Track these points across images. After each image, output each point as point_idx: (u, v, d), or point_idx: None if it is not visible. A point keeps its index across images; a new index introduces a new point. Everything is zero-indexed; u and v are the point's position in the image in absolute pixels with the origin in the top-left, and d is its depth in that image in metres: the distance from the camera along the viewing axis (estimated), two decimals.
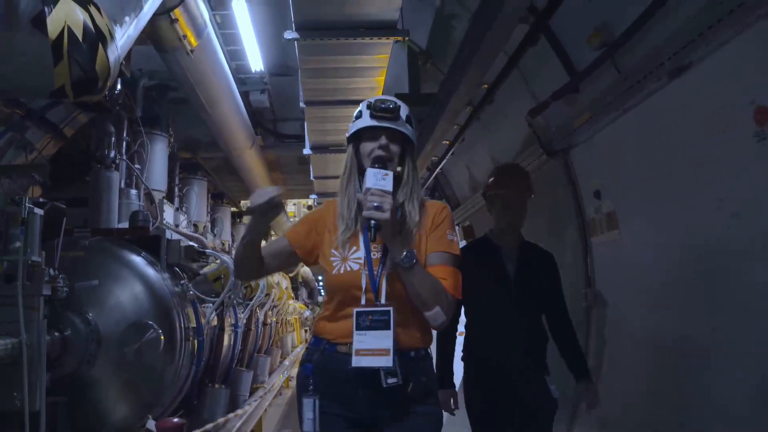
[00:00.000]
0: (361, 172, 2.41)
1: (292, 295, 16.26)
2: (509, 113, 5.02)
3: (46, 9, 2.47)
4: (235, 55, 7.04)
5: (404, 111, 2.44)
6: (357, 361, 2.25)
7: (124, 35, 2.96)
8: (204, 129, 7.14)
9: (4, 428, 3.45)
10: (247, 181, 8.83)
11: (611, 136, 3.84)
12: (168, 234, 4.78)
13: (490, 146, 5.91)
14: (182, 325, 4.50)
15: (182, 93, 5.82)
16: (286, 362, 12.96)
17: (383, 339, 2.25)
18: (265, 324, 9.16)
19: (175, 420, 3.96)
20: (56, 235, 4.05)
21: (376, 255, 2.35)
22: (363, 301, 2.32)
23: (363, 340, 2.27)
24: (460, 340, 9.02)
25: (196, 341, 4.80)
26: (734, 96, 2.74)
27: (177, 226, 6.02)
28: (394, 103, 2.42)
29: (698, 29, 2.77)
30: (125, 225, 4.92)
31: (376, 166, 2.32)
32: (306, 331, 21.36)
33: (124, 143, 5.35)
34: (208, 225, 8.51)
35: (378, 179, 2.25)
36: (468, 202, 7.10)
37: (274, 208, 2.30)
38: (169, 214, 5.82)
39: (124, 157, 5.34)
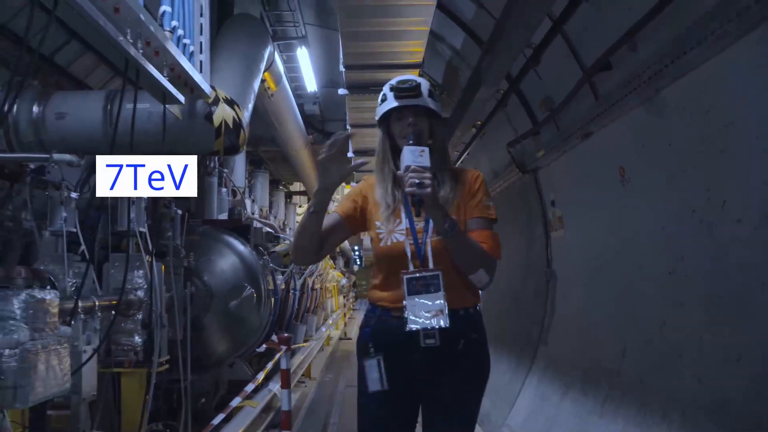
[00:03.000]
0: (394, 152, 2.55)
1: (334, 265, 18.30)
2: (499, 140, 6.86)
3: (212, 109, 4.41)
4: (295, 79, 8.97)
5: (425, 87, 2.55)
6: (413, 324, 2.37)
7: (246, 110, 4.90)
8: (263, 126, 8.86)
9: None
10: (300, 172, 10.79)
11: (559, 166, 5.66)
12: (254, 223, 6.77)
13: (489, 159, 7.75)
14: (265, 287, 6.48)
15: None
16: (329, 321, 15.01)
17: (435, 301, 2.37)
18: (313, 289, 11.18)
19: (285, 335, 5.73)
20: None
21: (419, 225, 2.48)
22: (410, 268, 2.44)
23: (415, 303, 2.38)
24: None
25: (273, 299, 6.79)
26: (608, 158, 4.56)
27: (252, 213, 8.01)
28: (415, 81, 2.53)
29: (592, 115, 4.56)
30: (223, 216, 6.91)
31: (411, 143, 2.40)
32: (344, 297, 23.36)
33: None
34: (267, 207, 10.52)
35: (416, 156, 2.32)
36: None
37: (340, 154, 2.35)
38: (248, 204, 7.81)
39: (216, 164, 7.31)
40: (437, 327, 2.35)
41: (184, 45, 3.75)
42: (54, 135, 4.49)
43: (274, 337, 5.25)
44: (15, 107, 4.43)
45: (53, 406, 3.72)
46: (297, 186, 13.67)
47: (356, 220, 2.61)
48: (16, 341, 2.59)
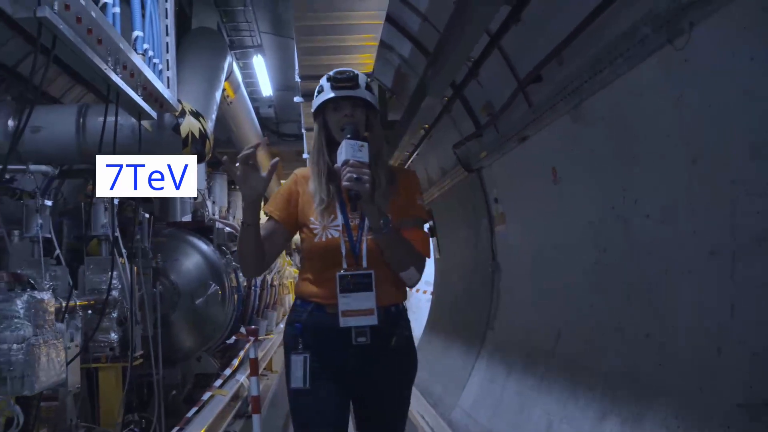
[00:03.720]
0: (330, 144, 2.51)
1: (291, 261, 18.64)
2: (446, 141, 7.32)
3: (179, 120, 4.76)
4: (251, 84, 9.33)
5: (363, 79, 2.52)
6: (345, 322, 2.39)
7: (210, 121, 5.26)
8: (221, 129, 9.13)
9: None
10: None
11: (500, 166, 6.15)
12: (216, 224, 7.12)
13: (438, 159, 8.22)
14: (229, 284, 6.84)
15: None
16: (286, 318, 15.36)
17: (367, 300, 2.39)
18: (272, 286, 11.54)
19: (252, 327, 6.08)
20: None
21: (354, 221, 2.47)
22: (344, 266, 2.44)
23: (348, 302, 2.39)
24: (426, 298, 11.58)
25: (236, 296, 7.15)
26: (542, 160, 5.05)
27: (213, 214, 8.35)
28: (352, 72, 2.50)
29: (526, 121, 5.04)
30: (186, 218, 7.24)
31: (348, 137, 2.36)
32: None
33: None
34: (226, 207, 10.84)
35: (355, 150, 2.30)
36: (431, 189, 9.41)
37: (253, 168, 2.30)
38: (208, 206, 8.14)
39: None
40: (368, 325, 2.39)
41: (154, 64, 4.10)
42: (30, 147, 4.77)
43: (243, 330, 5.63)
44: None
45: (43, 398, 4.05)
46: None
47: (294, 220, 2.56)
48: (22, 337, 2.95)
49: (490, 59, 5.16)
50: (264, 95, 9.58)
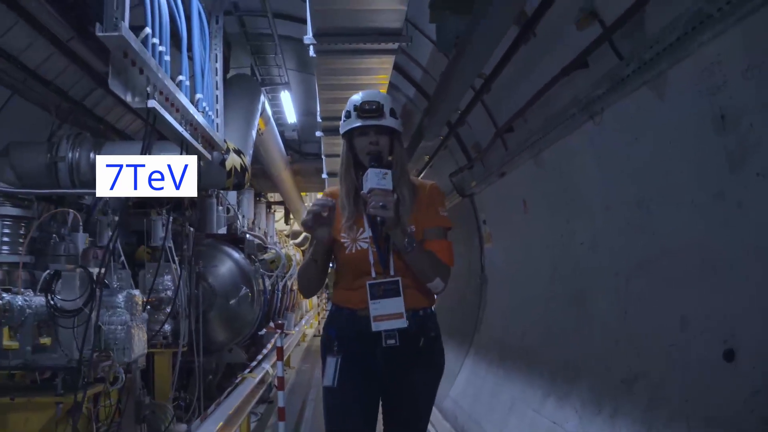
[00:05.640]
0: (356, 164, 2.69)
1: None
2: (445, 169, 8.51)
3: (225, 157, 5.99)
4: (277, 112, 10.59)
5: (387, 106, 2.66)
6: (376, 326, 2.54)
7: (248, 156, 6.50)
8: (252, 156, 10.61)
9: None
10: (280, 187, 12.36)
11: (487, 194, 7.32)
12: (247, 236, 8.36)
13: (439, 182, 9.39)
14: (257, 288, 8.05)
15: None
16: (302, 321, 16.60)
17: (395, 305, 2.54)
18: (291, 290, 12.76)
19: (280, 322, 7.32)
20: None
21: (381, 235, 2.62)
22: (373, 274, 2.59)
23: (378, 307, 2.54)
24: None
25: (262, 298, 8.37)
26: (516, 193, 6.22)
27: (243, 227, 9.60)
28: (378, 102, 2.64)
29: (504, 161, 6.20)
30: (222, 230, 8.48)
31: (374, 164, 2.52)
32: (317, 297, 24.92)
33: None
34: (252, 219, 12.08)
35: (379, 179, 2.45)
36: None
37: (321, 224, 2.54)
38: (240, 220, 9.39)
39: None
40: (397, 328, 2.55)
41: (209, 115, 5.33)
42: None
43: (272, 323, 6.86)
44: (77, 154, 5.92)
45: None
46: (275, 196, 15.18)
47: (330, 237, 2.71)
48: (123, 321, 4.20)
49: (475, 109, 6.34)
50: (289, 122, 10.89)
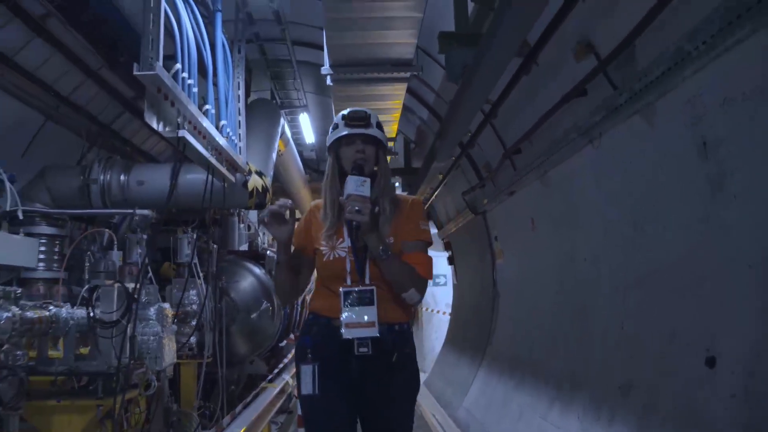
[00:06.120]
0: (342, 176, 2.67)
1: None
2: (459, 187, 8.81)
3: (247, 178, 6.34)
4: (296, 133, 10.96)
5: (374, 118, 2.71)
6: (347, 333, 2.53)
7: (269, 177, 6.85)
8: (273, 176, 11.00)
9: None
10: (299, 205, 12.71)
11: (498, 212, 7.62)
12: (268, 252, 8.70)
13: (453, 200, 9.71)
14: (277, 303, 8.37)
15: None
16: None
17: (368, 313, 2.53)
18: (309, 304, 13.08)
19: (299, 333, 7.60)
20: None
21: (360, 243, 2.63)
22: (349, 282, 2.60)
23: (351, 315, 2.54)
24: (446, 319, 13.19)
25: (282, 312, 8.68)
26: (525, 211, 6.51)
27: (263, 243, 9.94)
28: (365, 112, 2.70)
29: (512, 180, 6.50)
30: (244, 247, 8.82)
31: (355, 173, 2.54)
32: None
33: None
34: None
35: (357, 185, 2.48)
36: (449, 225, 10.90)
37: (276, 218, 2.57)
38: (261, 238, 9.74)
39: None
40: (369, 337, 2.52)
41: (232, 140, 5.68)
42: (135, 196, 6.35)
43: (292, 335, 7.16)
44: (108, 176, 6.29)
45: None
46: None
47: (310, 249, 2.79)
48: (155, 332, 4.54)
49: (485, 132, 6.65)
50: (307, 142, 11.27)
